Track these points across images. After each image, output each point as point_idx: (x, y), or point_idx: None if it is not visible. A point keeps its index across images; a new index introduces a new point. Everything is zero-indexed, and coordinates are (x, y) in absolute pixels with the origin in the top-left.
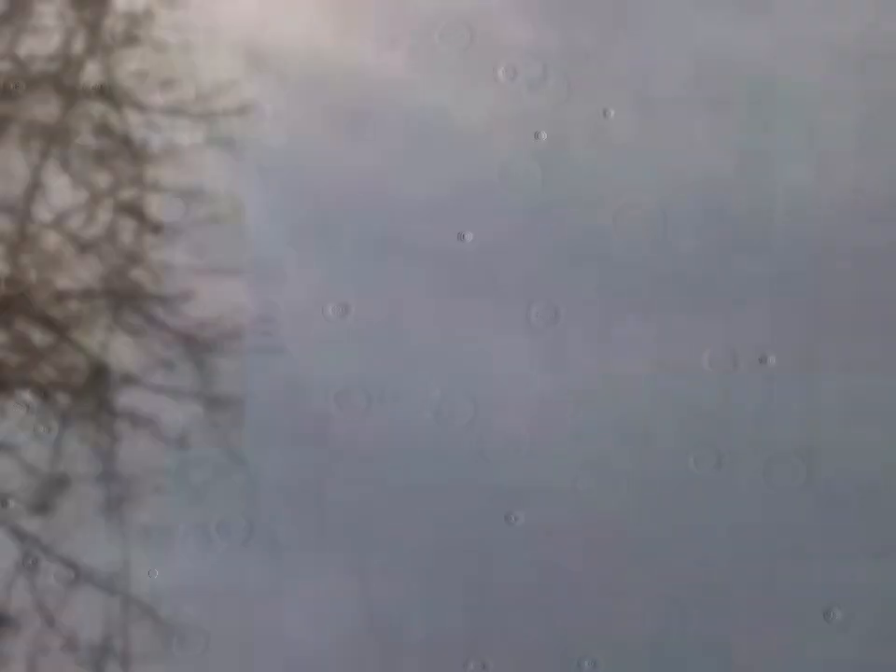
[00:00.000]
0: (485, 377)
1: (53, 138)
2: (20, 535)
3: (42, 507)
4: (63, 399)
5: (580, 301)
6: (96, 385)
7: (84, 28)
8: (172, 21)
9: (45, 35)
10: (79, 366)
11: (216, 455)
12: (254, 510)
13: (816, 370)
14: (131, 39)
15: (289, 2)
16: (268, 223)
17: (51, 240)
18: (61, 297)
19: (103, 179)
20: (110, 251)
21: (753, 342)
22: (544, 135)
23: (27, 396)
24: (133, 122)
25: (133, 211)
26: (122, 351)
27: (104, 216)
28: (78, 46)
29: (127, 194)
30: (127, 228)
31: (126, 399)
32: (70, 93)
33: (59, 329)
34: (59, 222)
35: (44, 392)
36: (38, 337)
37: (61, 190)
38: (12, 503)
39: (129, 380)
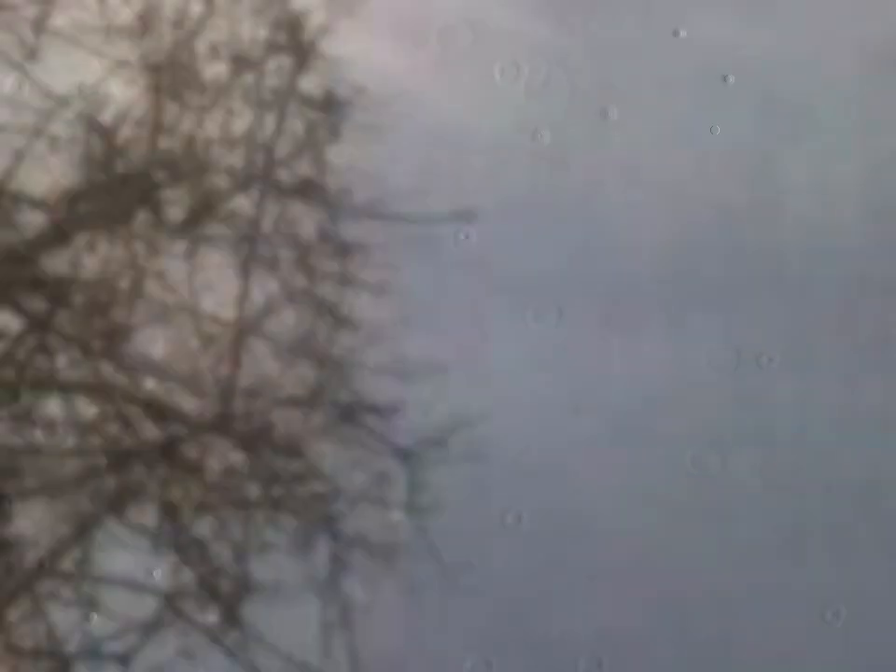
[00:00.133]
0: None
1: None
2: None
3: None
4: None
5: None
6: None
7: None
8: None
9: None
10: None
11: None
12: None
13: None
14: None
15: None
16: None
17: (260, 350)
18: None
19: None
20: (313, 354)
21: None
22: None
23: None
24: (333, 220)
25: (332, 310)
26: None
27: (307, 317)
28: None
29: (325, 291)
30: (326, 328)
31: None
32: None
33: (296, 451)
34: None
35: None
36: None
37: (263, 291)
38: None
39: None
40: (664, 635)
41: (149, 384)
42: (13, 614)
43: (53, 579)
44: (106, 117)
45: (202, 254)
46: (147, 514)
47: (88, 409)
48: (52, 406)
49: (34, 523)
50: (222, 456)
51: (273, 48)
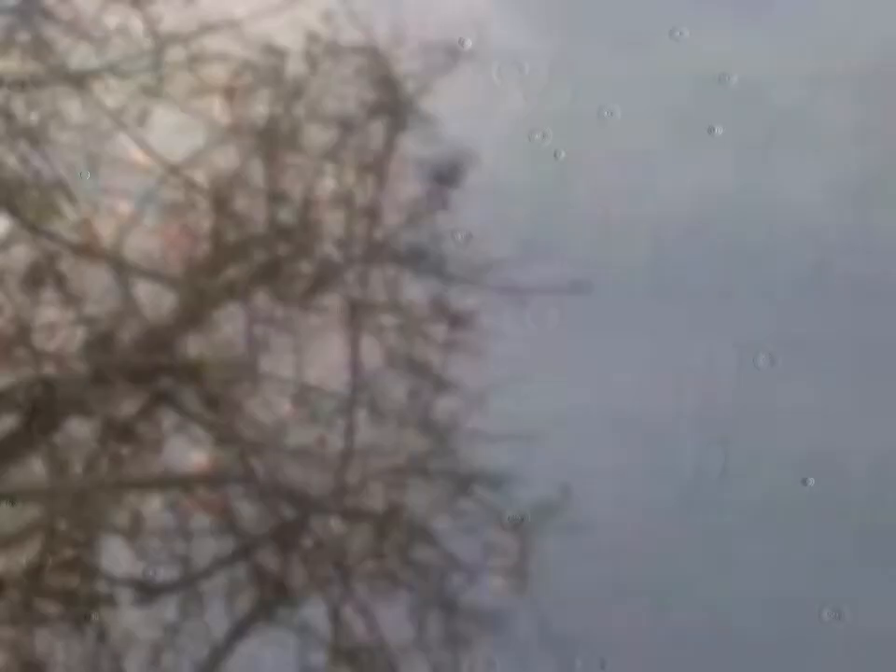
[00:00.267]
0: None
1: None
2: None
3: None
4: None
5: None
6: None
7: None
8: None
9: None
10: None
11: None
12: None
13: None
14: None
15: None
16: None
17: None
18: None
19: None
20: (419, 422)
21: None
22: None
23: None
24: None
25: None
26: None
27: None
28: None
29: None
30: (431, 394)
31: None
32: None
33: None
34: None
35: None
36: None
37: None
38: None
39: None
40: None
41: (266, 460)
42: None
43: None
44: (217, 184)
45: (309, 323)
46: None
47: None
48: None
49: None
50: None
51: (374, 109)
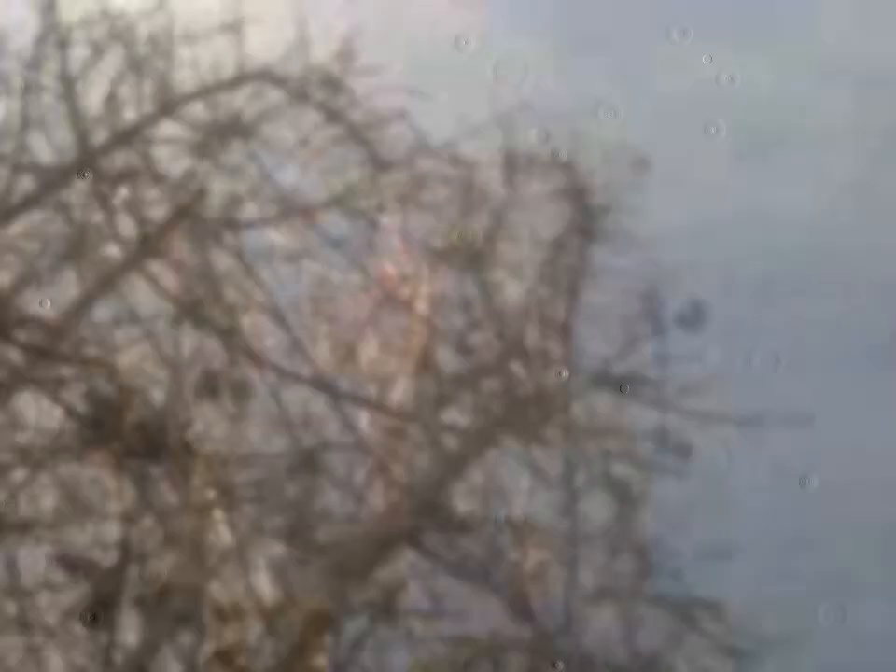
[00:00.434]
0: None
1: None
2: None
3: None
4: None
5: None
6: None
7: None
8: None
9: None
10: None
11: None
12: None
13: None
14: None
15: None
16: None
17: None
18: None
19: None
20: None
21: None
22: None
23: None
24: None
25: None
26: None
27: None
28: None
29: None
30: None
31: None
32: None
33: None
34: None
35: None
36: None
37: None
38: None
39: None
40: None
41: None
42: None
43: None
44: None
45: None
46: None
47: None
48: None
49: None
50: None
51: (571, 228)
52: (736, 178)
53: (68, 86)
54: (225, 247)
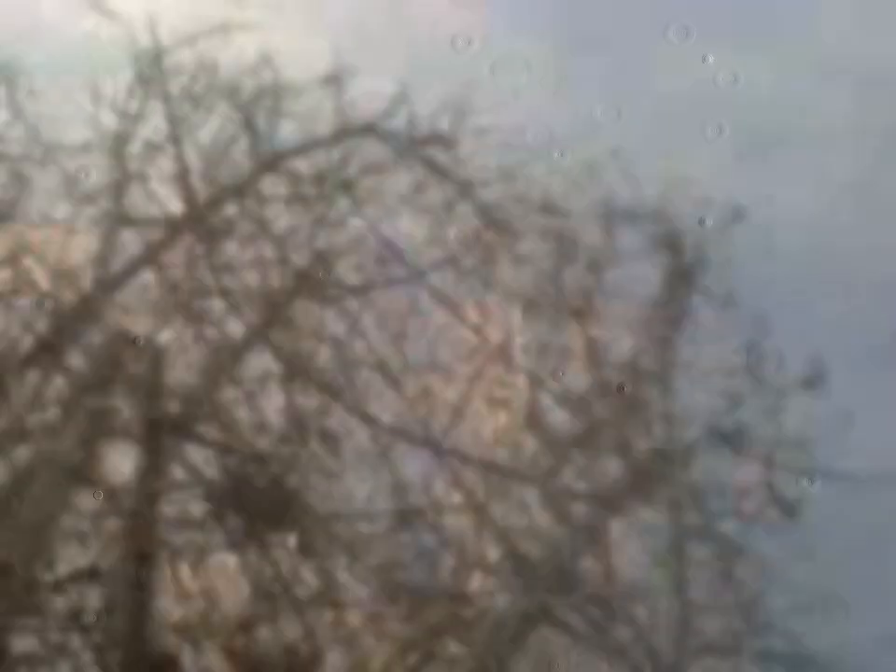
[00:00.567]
0: None
1: None
2: None
3: None
4: None
5: None
6: None
7: None
8: None
9: None
10: None
11: None
12: None
13: None
14: None
15: None
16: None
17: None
18: None
19: None
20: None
21: None
22: None
23: None
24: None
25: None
26: None
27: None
28: None
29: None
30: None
31: None
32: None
33: None
34: None
35: None
36: None
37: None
38: None
39: None
40: None
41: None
42: None
43: None
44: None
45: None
46: None
47: None
48: None
49: None
50: None
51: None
52: (737, 178)
53: (174, 140)
54: (341, 310)
